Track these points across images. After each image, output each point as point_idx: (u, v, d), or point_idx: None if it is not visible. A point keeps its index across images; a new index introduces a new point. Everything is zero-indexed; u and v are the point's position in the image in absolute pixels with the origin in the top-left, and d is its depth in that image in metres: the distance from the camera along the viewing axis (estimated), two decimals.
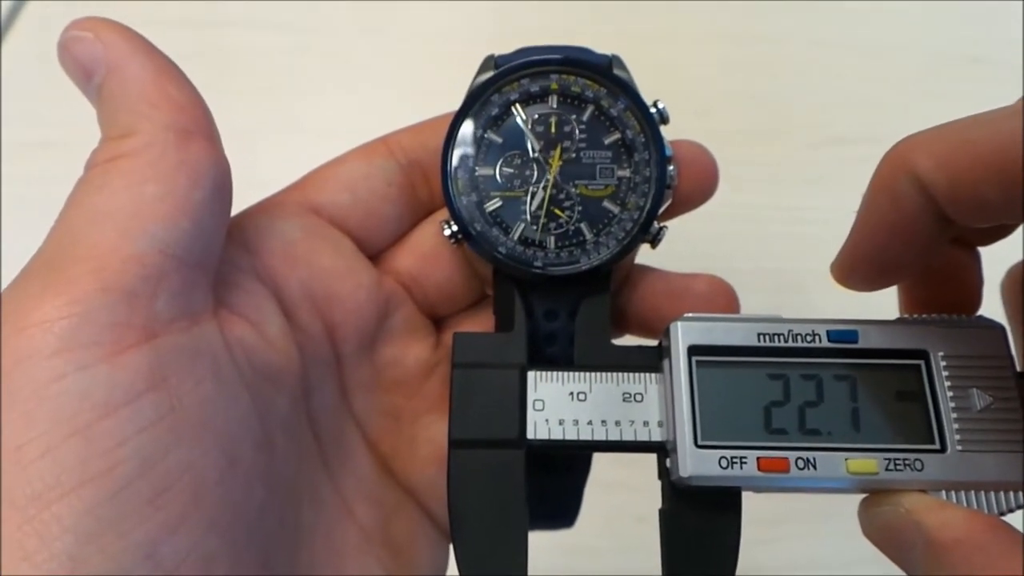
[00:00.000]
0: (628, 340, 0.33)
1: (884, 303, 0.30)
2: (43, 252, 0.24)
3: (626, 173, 0.31)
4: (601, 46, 0.34)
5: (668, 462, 0.28)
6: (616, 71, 0.32)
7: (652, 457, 0.29)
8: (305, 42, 0.61)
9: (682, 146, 0.32)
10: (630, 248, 0.31)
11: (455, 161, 0.31)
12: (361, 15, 0.62)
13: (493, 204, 0.31)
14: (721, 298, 0.32)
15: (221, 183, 0.26)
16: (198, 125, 0.26)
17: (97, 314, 0.23)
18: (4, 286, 0.24)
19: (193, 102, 0.26)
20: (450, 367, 0.29)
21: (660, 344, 0.29)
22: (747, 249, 0.53)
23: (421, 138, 0.33)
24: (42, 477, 0.21)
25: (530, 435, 0.28)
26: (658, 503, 0.28)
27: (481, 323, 0.34)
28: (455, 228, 0.31)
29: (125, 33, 0.26)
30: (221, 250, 0.27)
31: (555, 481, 0.33)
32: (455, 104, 0.32)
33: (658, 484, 0.28)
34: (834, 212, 0.57)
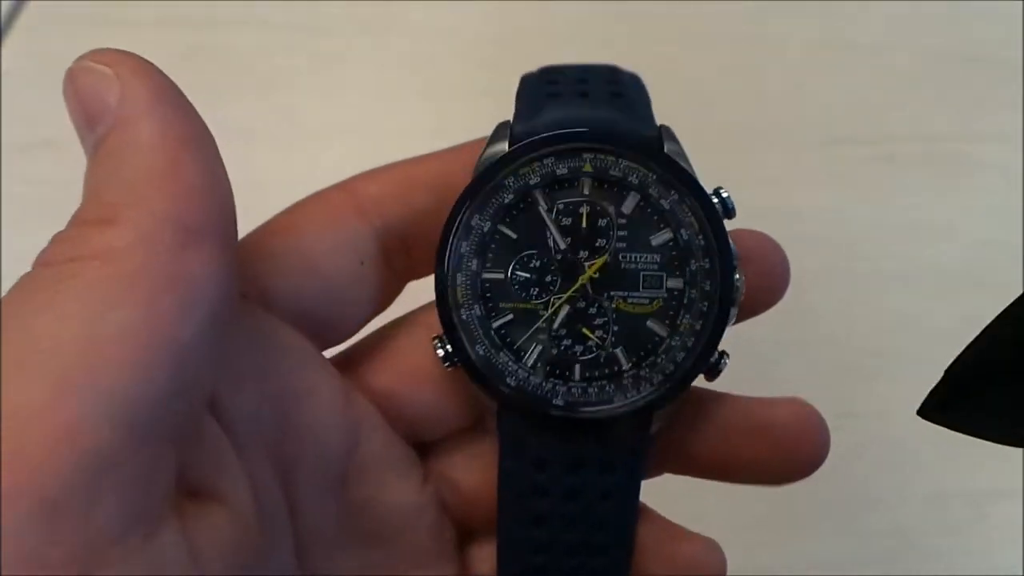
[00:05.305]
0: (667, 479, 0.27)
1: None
2: None
3: (678, 284, 0.24)
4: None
5: None
6: (667, 144, 0.25)
7: None
8: (305, 42, 0.61)
9: (742, 238, 0.25)
10: (683, 386, 0.24)
11: (455, 261, 0.24)
12: (361, 15, 0.62)
13: (502, 319, 0.24)
14: (808, 426, 0.25)
15: (223, 309, 0.19)
16: (209, 219, 0.19)
17: None
18: (4, 288, 0.19)
19: (211, 186, 0.19)
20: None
21: None
22: None
23: (398, 193, 0.25)
24: None
25: None
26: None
27: (479, 450, 0.26)
28: (450, 349, 0.24)
29: (152, 78, 0.19)
30: (205, 408, 0.20)
31: None
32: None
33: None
34: (834, 212, 0.57)
